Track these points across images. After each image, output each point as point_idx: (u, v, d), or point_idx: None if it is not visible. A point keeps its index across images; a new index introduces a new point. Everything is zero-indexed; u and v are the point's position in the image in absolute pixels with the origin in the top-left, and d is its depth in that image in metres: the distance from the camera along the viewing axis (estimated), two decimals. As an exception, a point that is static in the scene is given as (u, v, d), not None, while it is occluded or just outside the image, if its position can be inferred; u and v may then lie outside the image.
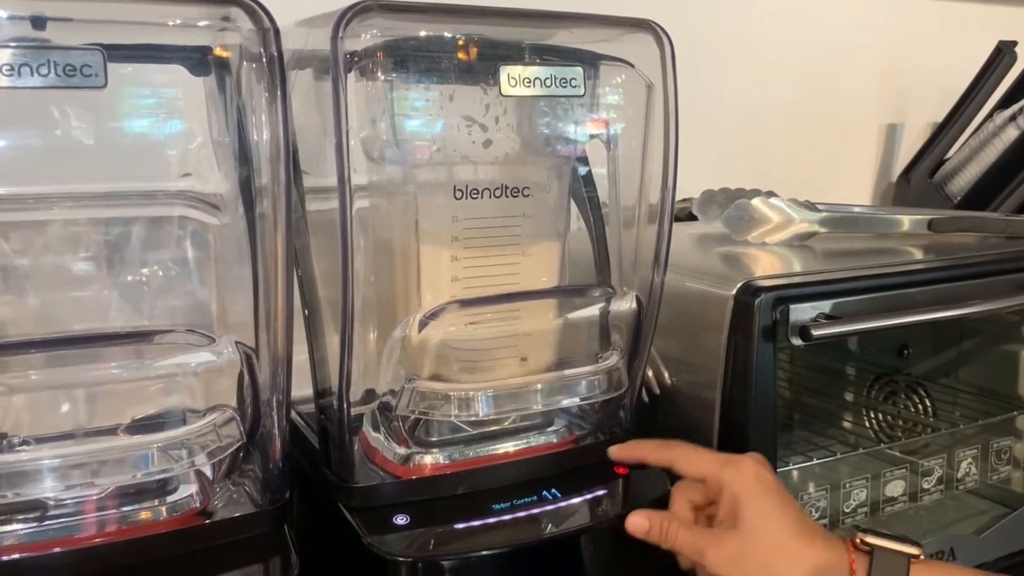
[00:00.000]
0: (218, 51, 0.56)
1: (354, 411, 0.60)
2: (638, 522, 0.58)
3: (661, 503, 0.65)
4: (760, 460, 0.58)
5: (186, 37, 0.57)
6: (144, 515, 0.54)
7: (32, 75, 0.45)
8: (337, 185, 0.54)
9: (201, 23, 0.56)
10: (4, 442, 0.53)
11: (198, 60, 0.58)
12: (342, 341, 0.57)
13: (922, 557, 0.53)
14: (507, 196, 0.63)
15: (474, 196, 0.62)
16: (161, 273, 0.63)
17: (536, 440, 0.67)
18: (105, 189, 0.63)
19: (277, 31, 0.50)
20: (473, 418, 0.62)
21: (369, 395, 0.63)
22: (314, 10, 0.59)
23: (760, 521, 0.54)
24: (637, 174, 0.66)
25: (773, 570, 0.53)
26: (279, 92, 0.50)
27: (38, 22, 0.50)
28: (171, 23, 0.55)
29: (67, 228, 0.61)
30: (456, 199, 0.61)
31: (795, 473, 0.77)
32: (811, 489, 0.76)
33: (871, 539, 0.54)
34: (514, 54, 0.60)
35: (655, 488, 0.66)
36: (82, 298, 0.61)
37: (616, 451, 0.65)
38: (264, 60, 0.50)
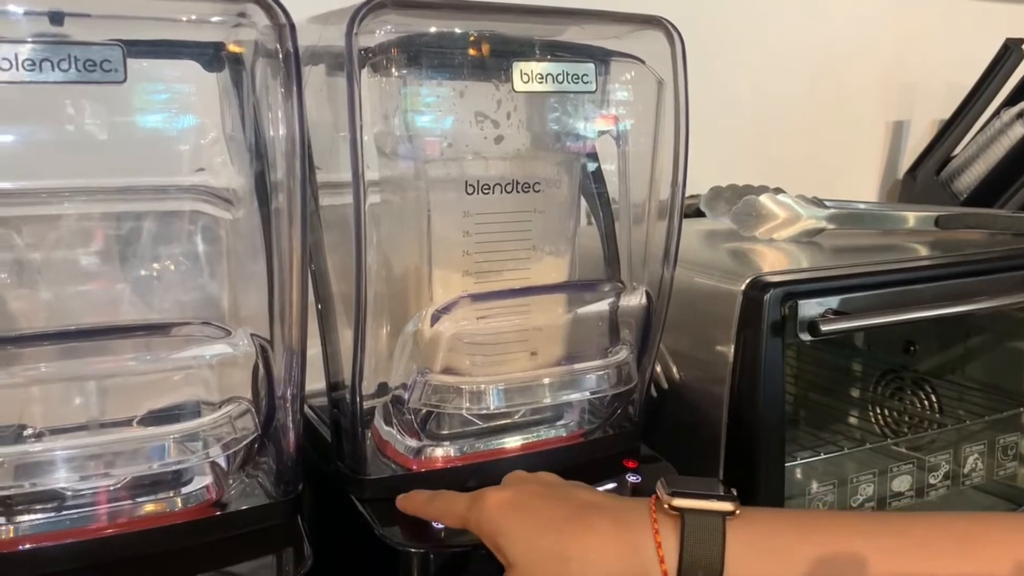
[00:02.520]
0: (232, 47, 0.57)
1: (366, 404, 0.61)
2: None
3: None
4: (509, 480, 0.53)
5: (200, 33, 0.57)
6: (159, 506, 0.54)
7: (53, 70, 0.45)
8: (351, 180, 0.54)
9: (215, 19, 0.56)
10: (22, 434, 0.53)
11: (212, 56, 0.58)
12: (355, 335, 0.57)
13: (737, 512, 0.47)
14: (518, 192, 0.63)
15: (485, 191, 0.62)
16: (173, 267, 0.63)
17: (546, 434, 0.68)
18: (118, 184, 0.63)
19: (293, 27, 0.51)
20: (484, 411, 0.63)
21: (381, 388, 0.63)
22: (326, 6, 0.59)
23: (517, 546, 0.48)
24: (647, 170, 0.67)
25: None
26: (295, 88, 0.51)
27: (56, 17, 0.50)
28: (185, 19, 0.56)
29: (80, 222, 0.62)
30: (468, 194, 0.62)
31: (802, 468, 0.78)
32: (818, 484, 0.76)
33: (677, 501, 0.46)
34: (526, 50, 0.61)
35: (664, 482, 0.66)
36: (96, 292, 0.61)
37: (398, 502, 0.58)
38: (280, 56, 0.51)
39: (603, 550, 0.46)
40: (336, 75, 0.59)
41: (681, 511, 0.46)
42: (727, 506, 0.47)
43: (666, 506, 0.47)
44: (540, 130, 0.65)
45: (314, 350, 0.64)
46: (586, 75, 0.60)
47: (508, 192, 0.63)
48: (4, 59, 0.44)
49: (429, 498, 0.56)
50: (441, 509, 0.55)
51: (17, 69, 0.45)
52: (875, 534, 0.45)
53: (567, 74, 0.60)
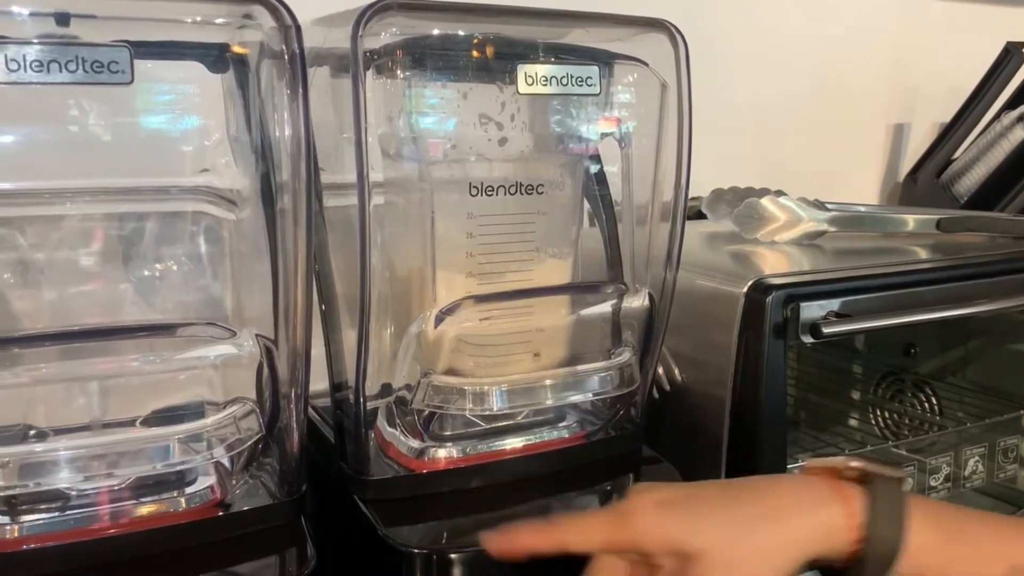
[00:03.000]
0: (237, 48, 0.57)
1: (369, 405, 0.61)
2: None
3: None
4: (643, 488, 0.49)
5: (205, 34, 0.58)
6: (163, 506, 0.54)
7: (60, 71, 0.45)
8: (356, 182, 0.54)
9: (219, 20, 0.56)
10: (27, 433, 0.53)
11: (216, 57, 0.58)
12: (359, 336, 0.57)
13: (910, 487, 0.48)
14: (522, 193, 0.63)
15: (489, 193, 0.62)
16: (176, 268, 0.63)
17: (548, 435, 0.68)
18: (122, 184, 0.63)
19: (299, 28, 0.51)
20: (487, 412, 0.63)
21: (385, 389, 0.63)
22: (331, 8, 0.59)
23: (711, 535, 0.45)
24: (650, 172, 0.67)
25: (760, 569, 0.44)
26: (300, 89, 0.51)
27: (62, 18, 0.50)
28: (190, 20, 0.56)
29: (84, 223, 0.62)
30: (471, 196, 0.62)
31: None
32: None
33: (856, 463, 0.46)
34: (530, 53, 0.61)
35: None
36: (99, 292, 0.62)
37: (496, 543, 0.50)
38: (286, 57, 0.51)
39: (799, 500, 0.45)
40: (340, 77, 0.59)
41: (864, 472, 0.46)
42: (901, 473, 0.47)
43: (845, 467, 0.46)
44: (543, 132, 0.65)
45: (316, 351, 0.64)
46: (590, 78, 0.60)
47: (511, 194, 0.63)
48: (12, 60, 0.45)
49: (540, 531, 0.49)
50: (566, 536, 0.48)
51: (25, 70, 0.45)
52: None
53: (571, 76, 0.60)
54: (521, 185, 0.63)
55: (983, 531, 0.47)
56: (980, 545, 0.46)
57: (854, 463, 0.47)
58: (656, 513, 0.46)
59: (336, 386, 0.65)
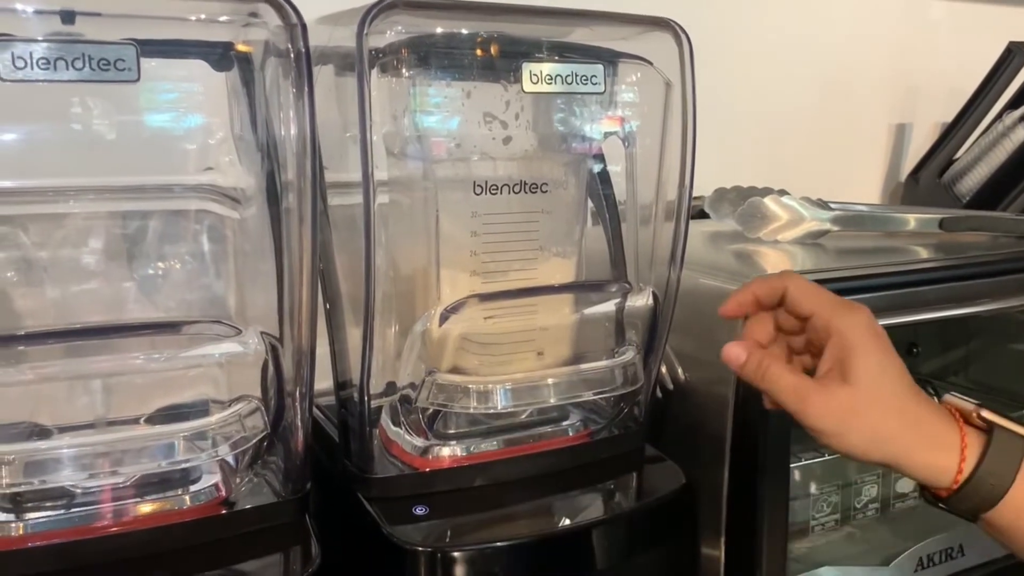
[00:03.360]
0: (241, 46, 0.57)
1: (374, 403, 0.61)
2: (735, 352, 0.53)
3: (676, 497, 0.65)
4: (870, 313, 0.52)
5: (210, 33, 0.58)
6: (167, 504, 0.54)
7: (67, 69, 0.45)
8: (361, 180, 0.54)
9: (224, 18, 0.56)
10: (32, 431, 0.53)
11: (221, 55, 0.58)
12: (364, 334, 0.57)
13: None
14: (526, 192, 0.63)
15: (493, 192, 0.62)
16: (180, 266, 0.63)
17: (552, 434, 0.68)
18: (126, 183, 0.63)
19: (304, 27, 0.51)
20: (491, 411, 0.63)
21: (389, 388, 0.64)
22: (335, 6, 0.59)
23: (876, 377, 0.49)
24: (654, 171, 0.67)
25: (882, 431, 0.49)
26: (306, 87, 0.51)
27: (67, 16, 0.50)
28: (194, 18, 0.56)
29: (88, 221, 0.62)
30: (476, 195, 0.62)
31: (806, 469, 0.78)
32: (822, 485, 0.77)
33: (988, 415, 0.50)
34: (534, 51, 0.61)
35: (670, 483, 0.66)
36: (103, 290, 0.62)
37: (732, 302, 0.57)
38: (291, 56, 0.51)
39: (928, 427, 0.49)
40: (345, 75, 0.59)
41: (991, 425, 0.49)
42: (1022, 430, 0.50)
43: (975, 415, 0.50)
44: (548, 131, 0.66)
45: (320, 349, 0.64)
46: (595, 76, 0.61)
47: (516, 193, 0.63)
48: (19, 58, 0.45)
49: (770, 276, 0.55)
50: (803, 285, 0.53)
51: (32, 68, 0.45)
52: None
53: (576, 75, 0.60)
54: (525, 184, 0.63)
55: None
56: None
57: (985, 413, 0.50)
58: (868, 323, 0.51)
59: (340, 384, 0.65)
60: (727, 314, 0.56)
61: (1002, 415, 0.50)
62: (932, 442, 0.49)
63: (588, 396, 0.66)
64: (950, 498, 0.49)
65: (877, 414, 0.49)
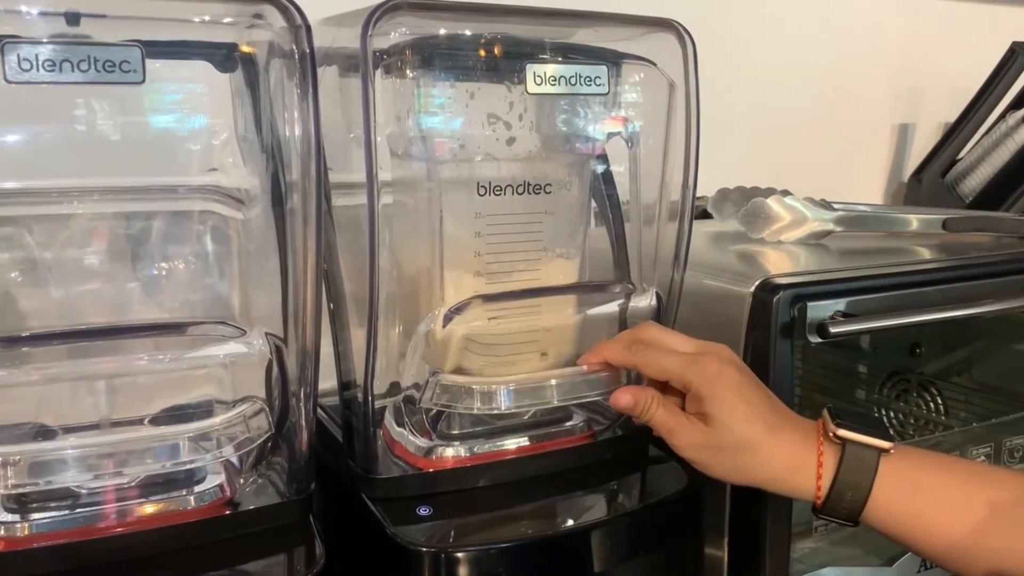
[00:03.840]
0: (245, 47, 0.57)
1: (377, 404, 0.61)
2: (624, 398, 0.59)
3: (680, 497, 0.65)
4: (725, 355, 0.58)
5: (214, 34, 0.58)
6: (172, 505, 0.55)
7: (73, 71, 0.46)
8: (365, 181, 0.54)
9: (228, 20, 0.56)
10: (37, 432, 0.53)
11: (225, 56, 0.58)
12: (368, 335, 0.58)
13: (892, 451, 0.54)
14: (529, 193, 0.63)
15: (497, 193, 0.62)
16: (184, 267, 0.63)
17: (555, 435, 0.68)
18: (130, 183, 0.63)
19: (308, 28, 0.51)
20: (495, 411, 0.63)
21: (393, 388, 0.64)
22: (339, 7, 0.60)
23: (726, 419, 0.55)
24: (657, 172, 0.67)
25: (741, 464, 0.55)
26: (310, 88, 0.51)
27: (72, 18, 0.50)
28: (198, 20, 0.56)
29: (92, 222, 0.62)
30: (479, 195, 0.62)
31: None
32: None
33: (843, 432, 0.54)
34: (538, 52, 0.61)
35: (674, 484, 0.66)
36: (107, 291, 0.62)
37: (584, 358, 0.64)
38: (296, 57, 0.51)
39: (782, 455, 0.55)
40: (349, 76, 0.59)
41: (844, 441, 0.54)
42: (884, 444, 0.54)
43: (831, 434, 0.55)
44: (551, 132, 0.66)
45: (323, 350, 0.64)
46: (598, 77, 0.61)
47: (519, 193, 0.63)
48: (25, 60, 0.45)
49: (625, 345, 0.61)
50: (644, 358, 0.59)
51: (37, 69, 0.45)
52: (998, 484, 0.53)
53: (579, 76, 0.60)
54: (529, 185, 0.63)
55: (959, 478, 0.54)
56: (953, 491, 0.53)
57: (839, 432, 0.55)
58: (718, 382, 0.56)
59: (344, 385, 0.65)
60: (581, 363, 0.64)
61: (857, 430, 0.55)
62: (790, 468, 0.55)
63: (592, 396, 0.66)
64: (820, 510, 0.56)
65: (732, 451, 0.55)
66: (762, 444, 0.55)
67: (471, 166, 0.62)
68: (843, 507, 0.54)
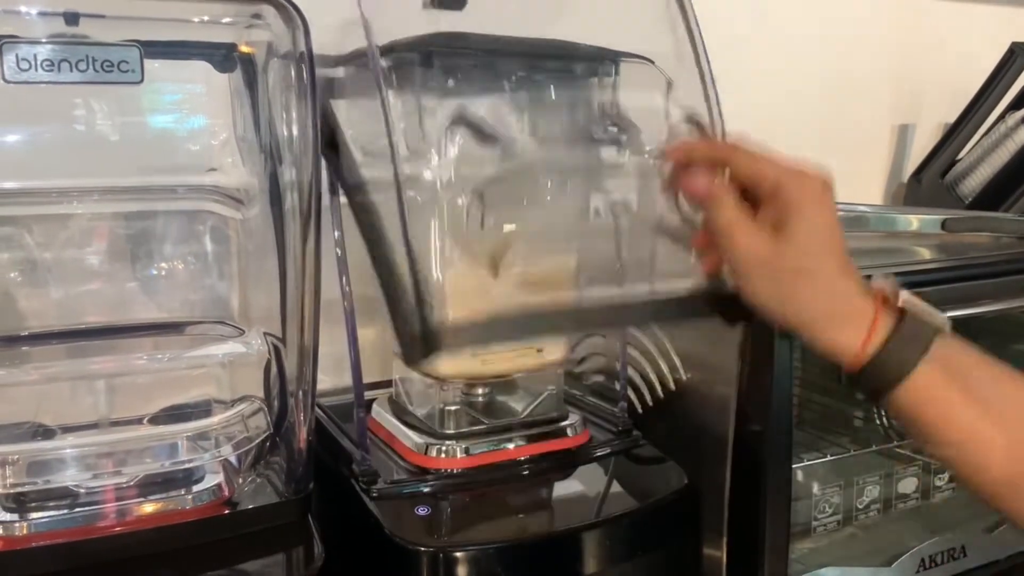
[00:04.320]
0: (244, 47, 0.57)
1: (376, 403, 0.61)
2: (699, 181, 0.52)
3: (679, 497, 0.65)
4: (830, 182, 0.51)
5: (212, 34, 0.58)
6: (170, 504, 0.55)
7: (71, 71, 0.46)
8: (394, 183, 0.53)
9: (226, 20, 0.57)
10: (36, 431, 0.53)
11: (224, 56, 0.58)
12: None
13: (946, 333, 0.49)
14: (527, 193, 0.64)
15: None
16: (182, 266, 0.64)
17: (553, 434, 0.68)
18: (129, 184, 0.63)
19: (307, 28, 0.51)
20: (491, 411, 0.63)
21: (390, 387, 0.64)
22: (338, 9, 0.60)
23: (805, 239, 0.48)
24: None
25: (793, 294, 0.49)
26: (309, 88, 0.51)
27: (71, 18, 0.51)
28: (197, 20, 0.56)
29: (91, 222, 0.62)
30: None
31: (808, 470, 0.78)
32: (824, 486, 0.77)
33: (906, 298, 0.49)
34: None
35: (672, 483, 0.67)
36: (107, 291, 0.62)
37: (669, 148, 0.55)
38: (295, 57, 0.51)
39: (839, 299, 0.49)
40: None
41: (905, 308, 0.49)
42: (942, 323, 0.49)
43: (894, 297, 0.49)
44: (548, 133, 0.66)
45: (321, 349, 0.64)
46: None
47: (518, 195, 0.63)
48: (23, 60, 0.45)
49: (714, 145, 0.56)
50: (742, 157, 0.53)
51: (36, 69, 0.45)
52: None
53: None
54: (527, 187, 0.63)
55: (1001, 390, 0.50)
56: (989, 400, 0.49)
57: (904, 296, 0.50)
58: (821, 187, 0.50)
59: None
60: (671, 155, 0.55)
61: (925, 299, 0.50)
62: (840, 315, 0.49)
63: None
64: (857, 373, 0.49)
65: (791, 275, 0.49)
66: (825, 278, 0.49)
67: (471, 169, 0.62)
68: (882, 375, 0.48)
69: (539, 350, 0.66)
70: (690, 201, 0.53)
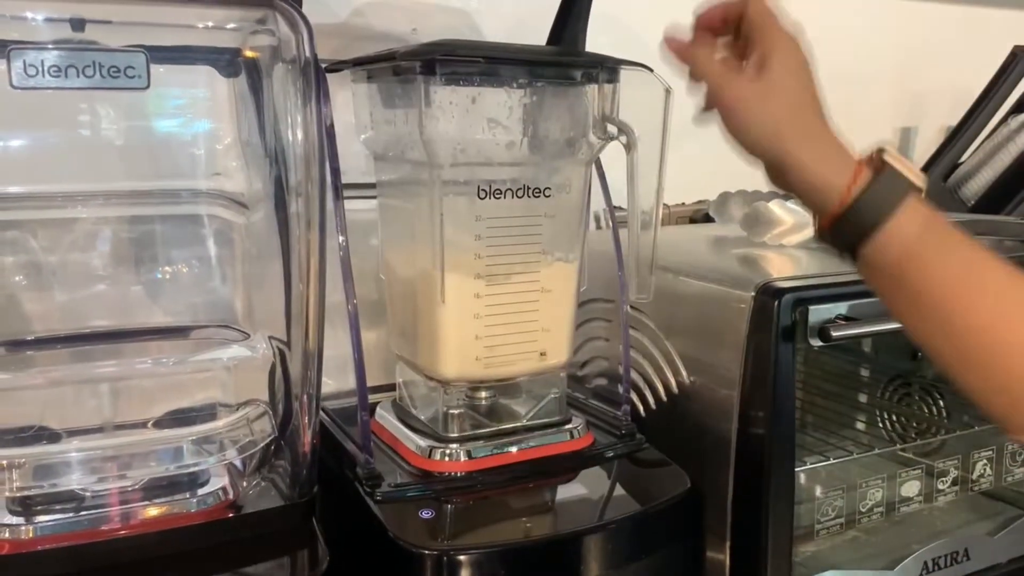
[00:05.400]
0: (249, 52, 0.58)
1: (380, 406, 0.61)
2: (673, 42, 0.54)
3: (681, 500, 0.66)
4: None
5: (217, 39, 0.58)
6: (175, 507, 0.55)
7: (78, 76, 0.46)
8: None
9: (231, 25, 0.57)
10: (42, 435, 0.54)
11: (229, 61, 0.59)
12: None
13: (921, 191, 0.51)
14: (529, 196, 0.63)
15: (497, 196, 0.63)
16: (187, 270, 0.64)
17: (556, 437, 0.68)
18: (133, 188, 0.64)
19: (311, 33, 0.51)
20: (488, 411, 0.63)
21: (395, 390, 0.64)
22: (342, 13, 0.60)
23: (787, 76, 0.51)
24: (654, 176, 0.67)
25: (781, 126, 0.51)
26: (314, 93, 0.51)
27: (77, 24, 0.51)
28: (202, 25, 0.56)
29: (96, 226, 0.63)
30: (480, 199, 0.62)
31: (811, 473, 0.78)
32: (827, 489, 0.77)
33: (886, 154, 0.51)
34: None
35: (674, 486, 0.67)
36: (111, 295, 0.62)
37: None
38: (300, 62, 0.51)
39: (827, 139, 0.51)
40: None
41: (883, 163, 0.50)
42: (918, 181, 0.51)
43: (873, 152, 0.51)
44: (550, 136, 0.66)
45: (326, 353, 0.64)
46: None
47: (519, 197, 0.63)
48: (31, 65, 0.45)
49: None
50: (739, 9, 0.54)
51: (43, 75, 0.45)
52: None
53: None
54: (528, 188, 0.63)
55: (970, 244, 0.52)
56: (959, 251, 0.51)
57: (884, 152, 0.51)
58: (792, 38, 0.53)
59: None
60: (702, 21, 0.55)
61: (900, 159, 0.51)
62: (826, 158, 0.51)
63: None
64: (835, 223, 0.50)
65: (781, 107, 0.50)
66: (810, 117, 0.51)
67: (471, 170, 0.62)
68: (859, 222, 0.50)
69: (542, 353, 0.66)
70: (680, 63, 0.54)
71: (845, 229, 0.50)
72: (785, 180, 0.52)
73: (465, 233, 0.63)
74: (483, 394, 0.69)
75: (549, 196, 0.64)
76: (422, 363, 0.66)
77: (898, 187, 0.50)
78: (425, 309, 0.64)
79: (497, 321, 0.64)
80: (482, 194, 0.62)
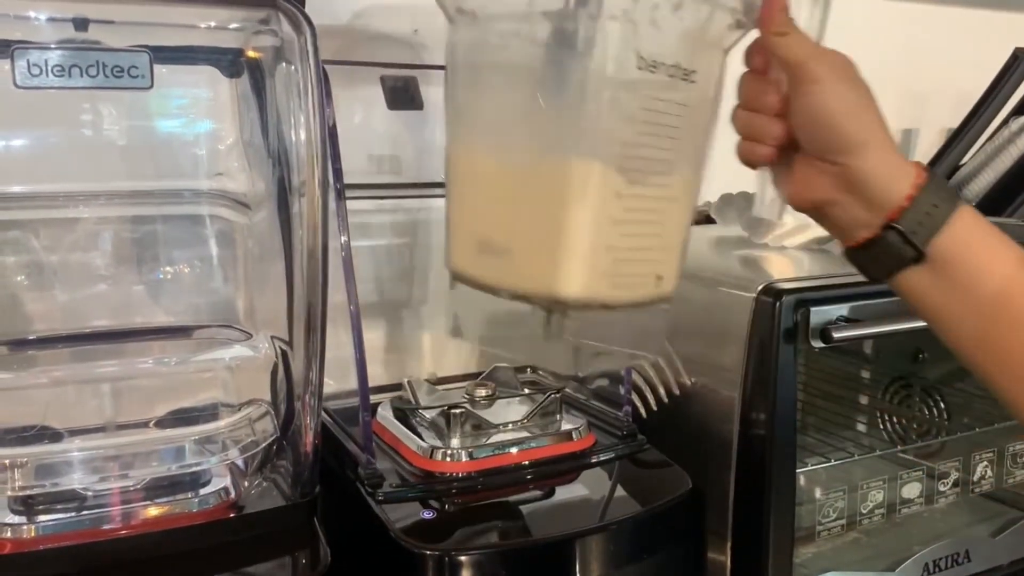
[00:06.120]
0: (252, 53, 0.58)
1: (382, 407, 0.61)
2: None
3: (683, 501, 0.66)
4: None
5: (220, 39, 0.58)
6: (177, 507, 0.55)
7: (82, 76, 0.46)
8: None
9: (233, 25, 0.57)
10: (44, 435, 0.54)
11: (231, 61, 0.59)
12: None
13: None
14: (680, 77, 0.49)
15: (652, 70, 0.53)
16: (189, 270, 0.64)
17: (557, 439, 0.68)
18: (136, 188, 0.64)
19: (315, 33, 0.51)
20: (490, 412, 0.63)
21: (395, 390, 0.64)
22: (345, 13, 0.60)
23: (837, 90, 0.50)
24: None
25: (866, 102, 0.49)
26: (316, 93, 0.51)
27: (80, 24, 0.51)
28: (204, 25, 0.56)
29: (98, 226, 0.63)
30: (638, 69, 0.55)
31: (812, 474, 0.78)
32: (828, 490, 0.77)
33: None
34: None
35: (676, 487, 0.67)
36: (113, 295, 0.62)
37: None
38: (303, 62, 0.51)
39: (889, 142, 0.49)
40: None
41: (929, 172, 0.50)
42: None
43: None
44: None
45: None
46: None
47: (670, 76, 0.48)
48: (35, 65, 0.45)
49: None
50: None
51: (47, 75, 0.45)
52: None
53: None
54: (680, 67, 0.49)
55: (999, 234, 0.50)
56: (994, 243, 0.49)
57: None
58: (833, 54, 0.51)
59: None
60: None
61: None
62: (892, 150, 0.50)
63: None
64: (900, 219, 0.49)
65: (864, 87, 0.50)
66: (877, 113, 0.50)
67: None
68: (926, 217, 0.48)
69: (659, 277, 0.50)
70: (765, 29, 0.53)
71: (910, 228, 0.49)
72: (850, 167, 0.50)
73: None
74: (484, 394, 0.69)
75: (694, 83, 0.48)
76: (524, 280, 0.48)
77: (949, 189, 0.49)
78: (543, 208, 0.46)
79: (631, 231, 0.48)
80: (640, 64, 0.45)
